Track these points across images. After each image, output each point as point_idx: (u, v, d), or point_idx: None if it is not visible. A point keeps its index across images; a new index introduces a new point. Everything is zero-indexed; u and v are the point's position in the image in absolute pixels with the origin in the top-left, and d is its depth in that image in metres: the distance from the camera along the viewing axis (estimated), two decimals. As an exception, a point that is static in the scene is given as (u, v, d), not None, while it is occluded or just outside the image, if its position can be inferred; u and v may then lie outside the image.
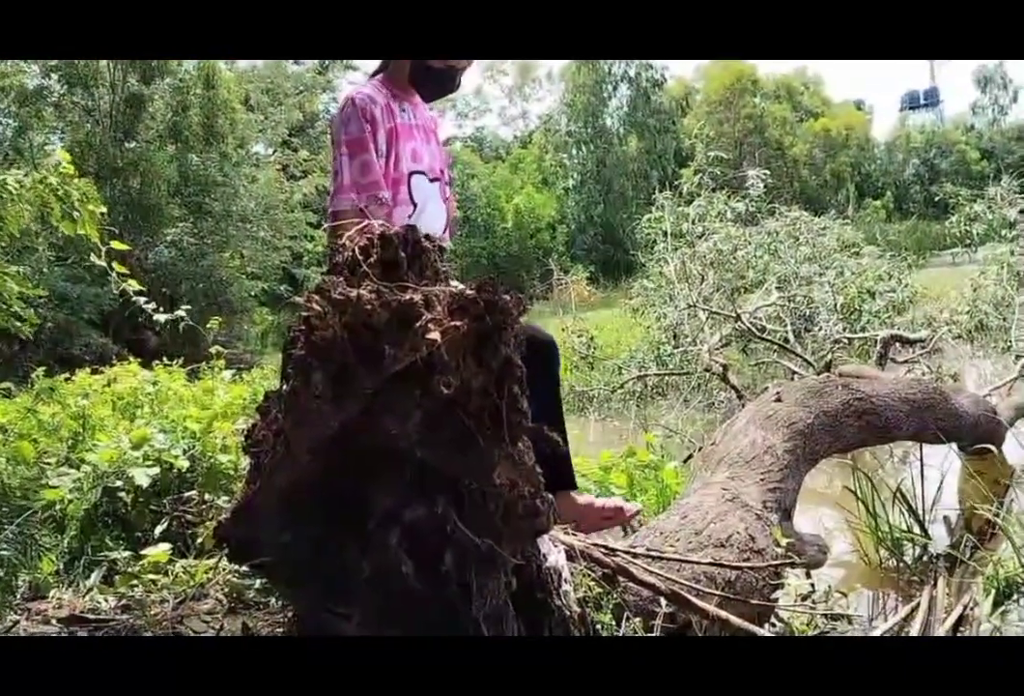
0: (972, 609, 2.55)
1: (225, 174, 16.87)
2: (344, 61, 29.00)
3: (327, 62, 28.13)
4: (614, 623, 1.72)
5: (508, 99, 41.94)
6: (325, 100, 30.42)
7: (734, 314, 6.86)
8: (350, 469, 1.17)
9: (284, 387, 1.19)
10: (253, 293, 17.79)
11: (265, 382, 4.35)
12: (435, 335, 1.12)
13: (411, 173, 2.38)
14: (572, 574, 1.61)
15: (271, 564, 1.23)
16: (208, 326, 5.42)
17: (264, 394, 1.27)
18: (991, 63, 45.00)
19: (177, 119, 16.88)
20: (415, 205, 2.37)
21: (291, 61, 25.06)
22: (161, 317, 3.52)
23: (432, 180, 2.46)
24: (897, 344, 6.18)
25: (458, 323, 1.15)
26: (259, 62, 23.19)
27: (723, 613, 1.81)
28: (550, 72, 40.23)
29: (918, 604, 2.61)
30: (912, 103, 53.21)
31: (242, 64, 21.87)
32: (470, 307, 1.17)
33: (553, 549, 1.52)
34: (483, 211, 29.88)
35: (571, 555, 1.72)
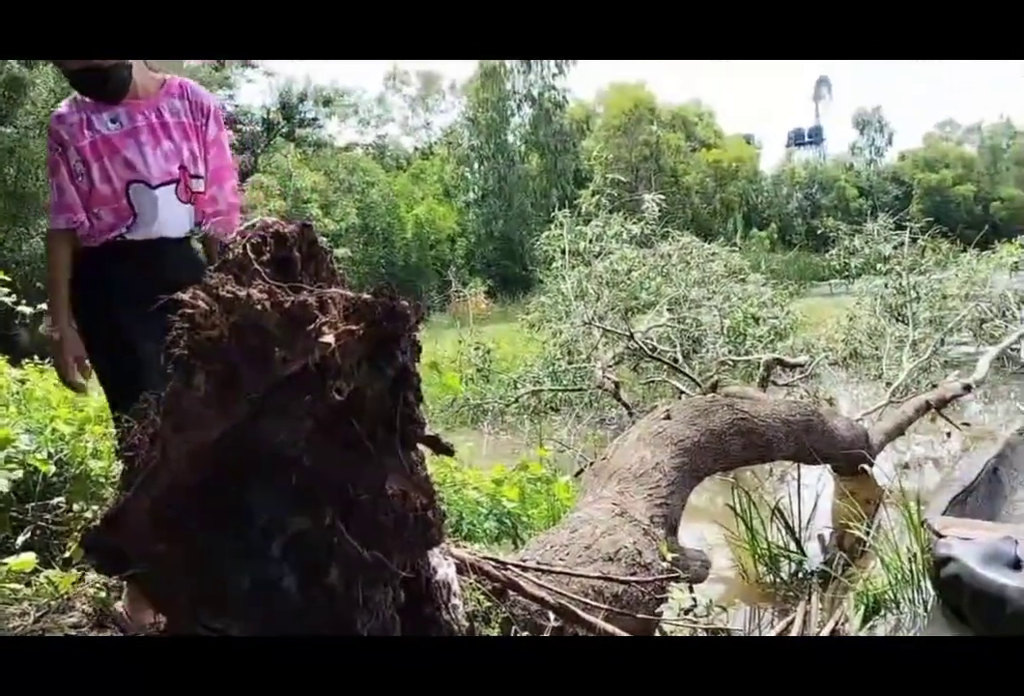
0: (843, 624, 2.66)
1: (112, 166, 16.09)
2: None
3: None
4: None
5: (411, 109, 41.72)
6: (222, 96, 29.68)
7: (627, 333, 7.01)
8: (232, 476, 1.11)
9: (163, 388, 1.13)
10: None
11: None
12: (329, 338, 1.08)
13: (129, 183, 2.25)
14: (462, 588, 1.58)
15: (143, 576, 1.15)
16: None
17: (141, 396, 1.19)
18: (869, 107, 48.11)
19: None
20: (136, 215, 2.25)
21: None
22: (27, 309, 3.32)
23: (158, 185, 2.27)
24: (778, 368, 6.43)
25: (354, 327, 1.11)
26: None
27: (609, 627, 1.82)
28: (453, 84, 40.35)
29: (793, 619, 2.70)
30: (798, 140, 56.10)
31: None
32: (367, 312, 1.13)
33: (444, 562, 1.49)
34: (383, 220, 29.52)
35: (461, 568, 1.69)
